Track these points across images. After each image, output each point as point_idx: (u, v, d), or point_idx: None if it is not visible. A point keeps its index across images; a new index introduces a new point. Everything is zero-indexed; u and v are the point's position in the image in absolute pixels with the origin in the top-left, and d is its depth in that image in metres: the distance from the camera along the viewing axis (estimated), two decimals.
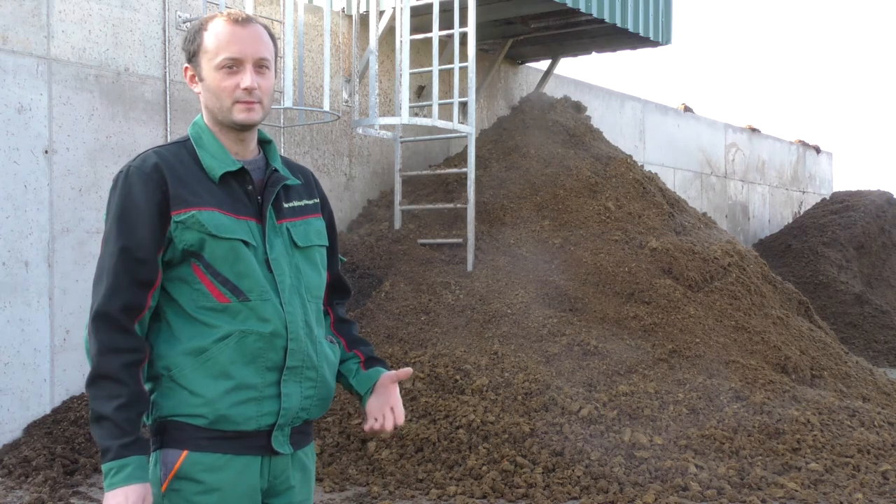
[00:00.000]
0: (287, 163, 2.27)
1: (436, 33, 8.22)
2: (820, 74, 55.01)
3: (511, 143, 9.74)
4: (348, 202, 9.25)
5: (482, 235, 8.47)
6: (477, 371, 6.67)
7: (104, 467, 1.94)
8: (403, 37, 7.98)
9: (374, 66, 8.06)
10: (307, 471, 2.20)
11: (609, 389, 6.55)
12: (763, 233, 16.57)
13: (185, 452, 2.00)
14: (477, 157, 8.87)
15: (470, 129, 8.43)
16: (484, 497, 5.39)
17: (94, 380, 1.97)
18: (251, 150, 2.16)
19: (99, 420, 1.95)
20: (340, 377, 2.35)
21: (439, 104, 8.34)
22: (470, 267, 8.13)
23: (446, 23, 8.57)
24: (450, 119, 8.44)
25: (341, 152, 9.16)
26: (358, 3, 8.99)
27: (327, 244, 2.26)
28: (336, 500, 5.36)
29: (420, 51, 9.30)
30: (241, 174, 2.11)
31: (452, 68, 8.35)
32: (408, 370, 2.30)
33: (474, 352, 6.92)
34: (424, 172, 9.12)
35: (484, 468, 5.63)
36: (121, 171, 2.06)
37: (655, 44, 10.89)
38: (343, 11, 9.07)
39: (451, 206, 8.56)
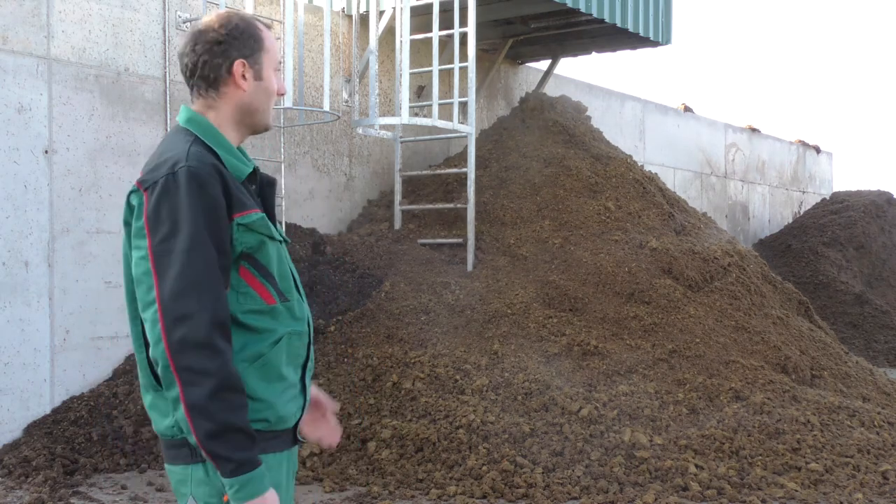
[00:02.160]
0: None
1: (436, 33, 8.22)
2: (820, 74, 55.02)
3: (511, 143, 9.74)
4: (348, 202, 9.25)
5: (482, 235, 8.47)
6: (477, 371, 6.67)
7: (240, 480, 1.88)
8: (403, 37, 7.98)
9: (374, 66, 8.06)
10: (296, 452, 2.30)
11: (609, 389, 6.55)
12: (763, 233, 16.57)
13: None
14: (477, 157, 8.87)
15: (470, 129, 8.43)
16: (484, 497, 5.39)
17: (221, 391, 1.87)
18: None
19: (227, 433, 1.87)
20: None
21: (439, 104, 8.35)
22: (470, 267, 8.13)
23: (446, 23, 8.57)
24: (450, 119, 8.44)
25: (341, 152, 9.16)
26: (358, 3, 8.99)
27: None
28: (336, 500, 5.36)
29: (420, 51, 9.31)
30: (252, 174, 2.12)
31: (452, 68, 8.35)
32: (334, 407, 2.38)
33: (474, 352, 6.92)
34: (424, 172, 9.12)
35: (484, 468, 5.63)
36: (168, 174, 1.95)
37: (655, 44, 10.89)
38: (343, 11, 9.07)
39: (451, 206, 8.56)
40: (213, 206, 1.94)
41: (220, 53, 2.07)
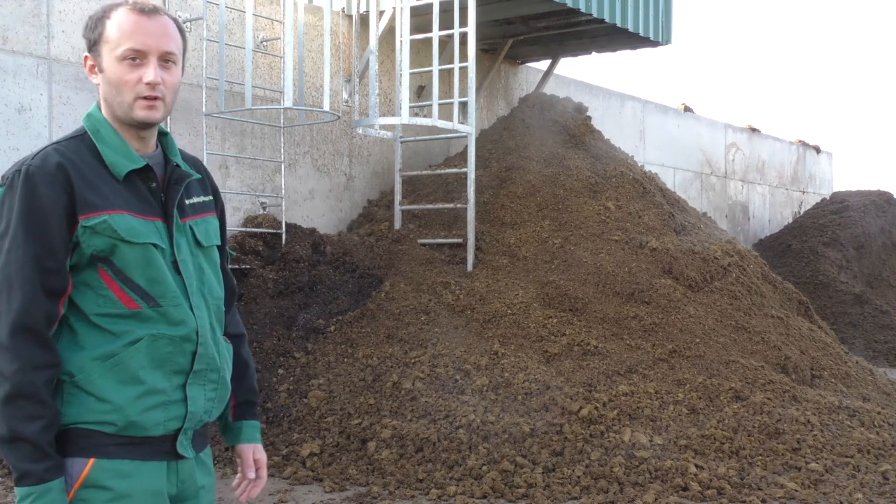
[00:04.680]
0: (182, 155, 2.19)
1: (436, 33, 8.22)
2: (820, 74, 55.01)
3: (511, 143, 9.74)
4: (348, 202, 9.25)
5: (482, 235, 8.46)
6: (477, 371, 6.67)
7: (21, 491, 1.85)
8: (403, 37, 7.98)
9: (374, 66, 8.06)
10: (210, 472, 2.18)
11: (609, 389, 6.55)
12: (763, 233, 16.57)
13: (91, 460, 1.93)
14: (477, 157, 8.87)
15: (470, 129, 8.43)
16: (484, 497, 5.39)
17: (11, 398, 1.84)
18: (151, 145, 2.09)
19: (15, 441, 1.84)
20: None
21: (439, 104, 8.35)
22: (470, 267, 8.12)
23: (446, 23, 8.57)
24: (450, 119, 8.44)
25: (341, 152, 9.15)
26: (358, 3, 8.99)
27: (220, 244, 2.22)
28: (336, 500, 5.36)
29: (420, 51, 9.31)
30: (144, 171, 2.03)
31: (452, 68, 8.35)
32: (259, 486, 2.31)
33: (474, 352, 6.92)
34: (424, 172, 9.12)
35: (484, 468, 5.63)
36: (16, 171, 1.93)
37: (655, 44, 10.89)
38: (343, 11, 9.07)
39: (451, 206, 8.56)
40: (40, 207, 1.89)
41: (85, 49, 2.06)
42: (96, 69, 2.02)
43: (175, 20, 2.08)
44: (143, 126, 2.02)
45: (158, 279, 1.99)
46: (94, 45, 2.01)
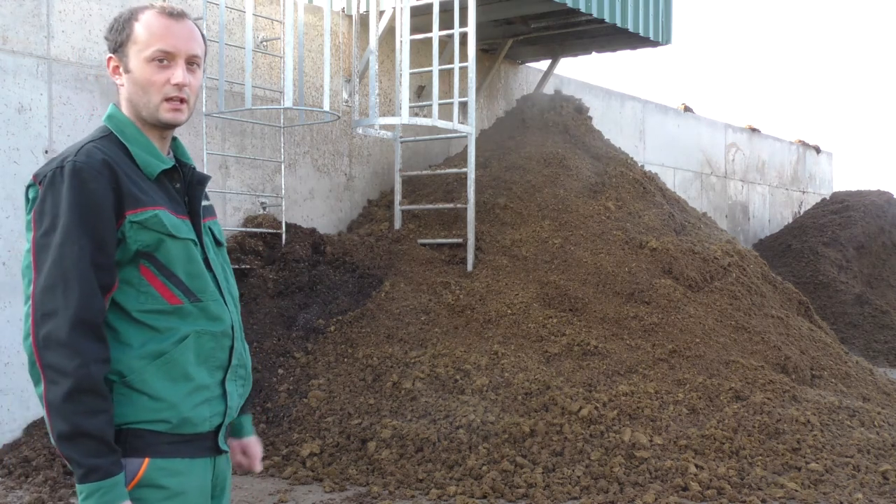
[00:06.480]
0: None
1: (436, 33, 8.22)
2: (820, 74, 55.01)
3: (511, 143, 9.74)
4: (348, 202, 9.25)
5: (482, 235, 8.46)
6: (477, 371, 6.67)
7: (88, 487, 1.83)
8: (403, 37, 7.99)
9: (374, 66, 8.06)
10: (230, 466, 2.22)
11: (609, 389, 6.55)
12: (763, 233, 16.57)
13: (146, 460, 1.94)
14: (477, 157, 8.87)
15: (470, 129, 8.43)
16: (484, 497, 5.38)
17: (73, 394, 1.83)
18: (167, 147, 2.11)
19: (78, 437, 1.83)
20: None
21: (439, 104, 8.35)
22: (470, 267, 8.12)
23: (446, 23, 8.57)
24: (450, 119, 8.44)
25: (341, 152, 9.16)
26: (358, 3, 8.99)
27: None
28: (336, 500, 5.36)
29: (420, 51, 9.30)
30: (171, 172, 2.06)
31: (452, 68, 8.35)
32: (258, 466, 2.34)
33: (474, 352, 6.92)
34: (424, 172, 9.12)
35: (484, 468, 5.63)
36: (57, 167, 1.92)
37: (655, 44, 10.90)
38: (343, 11, 9.07)
39: (451, 206, 8.56)
40: (93, 202, 1.89)
41: (107, 51, 2.07)
42: (121, 70, 2.03)
43: (197, 25, 2.11)
44: (166, 127, 2.05)
45: (198, 274, 2.02)
46: (119, 46, 2.02)
